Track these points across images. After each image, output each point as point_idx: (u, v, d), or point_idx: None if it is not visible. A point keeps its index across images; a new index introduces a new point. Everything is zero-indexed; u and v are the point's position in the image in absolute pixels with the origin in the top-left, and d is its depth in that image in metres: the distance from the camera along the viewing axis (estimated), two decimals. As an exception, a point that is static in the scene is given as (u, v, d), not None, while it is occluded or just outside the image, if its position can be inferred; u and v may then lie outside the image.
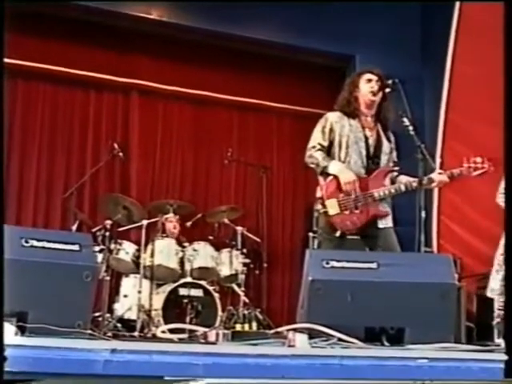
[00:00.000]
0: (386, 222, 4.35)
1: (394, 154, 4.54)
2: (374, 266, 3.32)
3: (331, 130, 4.39)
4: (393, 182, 4.44)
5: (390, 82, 4.38)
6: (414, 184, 4.22)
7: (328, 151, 4.39)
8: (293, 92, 8.08)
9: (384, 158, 4.42)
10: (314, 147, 4.39)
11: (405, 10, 7.43)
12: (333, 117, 4.44)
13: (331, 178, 4.32)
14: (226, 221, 6.79)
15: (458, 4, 7.02)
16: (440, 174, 4.34)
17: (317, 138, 4.41)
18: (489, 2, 6.16)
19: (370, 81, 4.45)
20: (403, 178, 4.39)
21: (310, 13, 7.21)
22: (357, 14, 7.28)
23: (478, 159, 4.30)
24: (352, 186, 4.24)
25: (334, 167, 4.30)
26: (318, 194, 4.38)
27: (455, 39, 7.02)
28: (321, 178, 4.39)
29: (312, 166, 4.40)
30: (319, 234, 4.53)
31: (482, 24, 6.61)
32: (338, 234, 4.25)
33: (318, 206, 4.36)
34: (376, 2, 7.17)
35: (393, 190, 4.31)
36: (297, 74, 7.92)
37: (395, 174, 4.49)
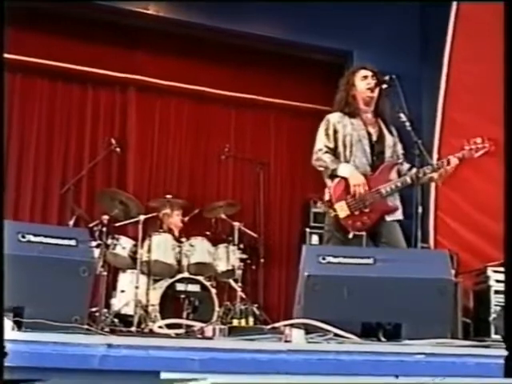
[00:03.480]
0: (394, 215, 4.35)
1: (399, 146, 4.51)
2: (370, 261, 3.32)
3: (335, 131, 4.38)
4: (401, 174, 4.41)
5: (387, 77, 4.37)
6: (423, 172, 4.20)
7: (334, 152, 4.37)
8: (290, 88, 8.07)
9: (388, 152, 4.42)
10: (320, 150, 4.37)
11: (403, 6, 7.42)
12: (334, 117, 4.43)
13: (338, 179, 4.30)
14: (223, 216, 6.78)
15: (455, 2, 7.02)
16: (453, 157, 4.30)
17: (322, 140, 4.40)
18: (486, 2, 6.17)
19: (365, 77, 4.45)
20: (413, 170, 4.34)
21: (308, 8, 7.19)
22: (355, 9, 7.26)
23: (478, 140, 4.27)
24: (361, 188, 4.22)
25: (343, 170, 4.28)
26: (326, 196, 4.35)
27: (453, 36, 7.00)
28: (328, 181, 4.37)
29: (320, 168, 4.38)
30: (327, 231, 4.46)
31: (479, 21, 6.61)
32: (351, 235, 4.22)
33: (328, 210, 4.31)
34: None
35: (399, 184, 4.29)
36: (294, 70, 7.90)
37: (406, 166, 4.47)
